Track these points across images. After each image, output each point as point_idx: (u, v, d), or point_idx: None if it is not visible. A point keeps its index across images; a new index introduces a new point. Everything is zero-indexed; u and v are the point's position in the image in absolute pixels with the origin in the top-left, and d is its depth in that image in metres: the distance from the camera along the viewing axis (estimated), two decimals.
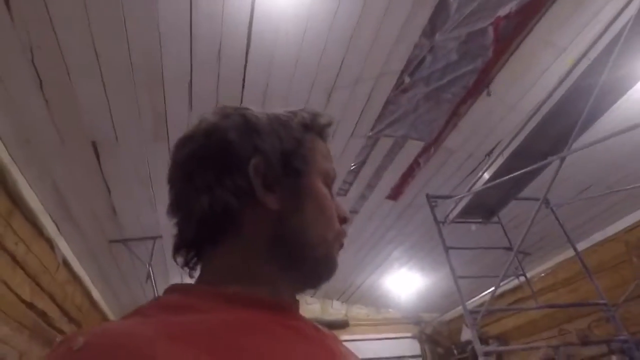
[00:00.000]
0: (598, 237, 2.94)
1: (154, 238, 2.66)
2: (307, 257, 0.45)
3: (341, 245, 0.50)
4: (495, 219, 2.35)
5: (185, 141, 0.47)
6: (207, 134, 0.46)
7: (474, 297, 3.72)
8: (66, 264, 2.58)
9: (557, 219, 2.27)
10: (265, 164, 0.44)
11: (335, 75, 1.94)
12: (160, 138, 2.03)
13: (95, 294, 3.20)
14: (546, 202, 2.20)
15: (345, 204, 2.98)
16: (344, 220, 0.50)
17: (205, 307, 0.37)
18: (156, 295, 2.70)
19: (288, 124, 0.49)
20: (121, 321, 0.34)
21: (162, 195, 2.43)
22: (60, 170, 2.06)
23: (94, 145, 1.97)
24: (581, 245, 2.70)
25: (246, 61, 1.75)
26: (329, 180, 0.50)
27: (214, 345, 0.32)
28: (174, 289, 0.42)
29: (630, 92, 1.83)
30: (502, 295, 3.51)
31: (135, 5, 1.43)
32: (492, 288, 2.10)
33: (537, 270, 3.41)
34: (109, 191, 2.29)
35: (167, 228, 2.68)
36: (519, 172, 1.77)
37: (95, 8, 1.41)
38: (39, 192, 2.12)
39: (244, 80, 1.83)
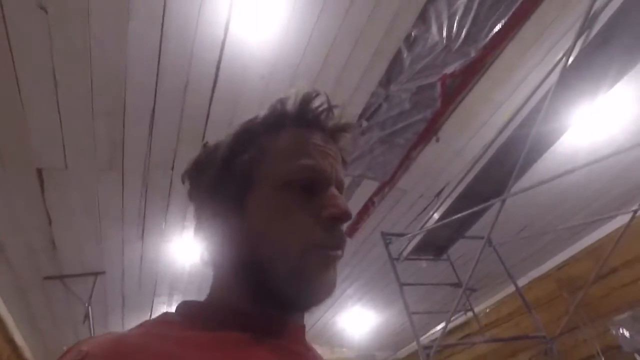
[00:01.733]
0: (534, 274, 3.18)
1: (96, 274, 2.47)
2: (270, 279, 0.39)
3: (325, 257, 0.40)
4: (445, 256, 2.48)
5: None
6: (187, 173, 0.48)
7: (425, 333, 3.80)
8: None
9: (499, 256, 2.45)
10: (204, 196, 0.44)
11: None
12: (115, 167, 1.96)
13: (19, 340, 2.84)
14: (489, 240, 2.38)
15: None
16: (328, 220, 0.39)
17: (209, 324, 0.37)
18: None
19: (218, 147, 0.45)
20: (125, 332, 0.35)
21: (109, 227, 2.30)
22: None
23: (39, 172, 1.85)
24: (520, 282, 2.91)
25: (212, 97, 1.79)
26: (297, 183, 0.40)
27: None
28: (183, 305, 0.42)
29: (557, 143, 2.10)
30: (451, 331, 3.63)
31: (103, 34, 1.43)
32: (443, 323, 2.18)
33: (483, 305, 3.59)
34: (50, 222, 2.13)
35: (112, 264, 2.53)
36: (465, 213, 1.93)
37: (59, 35, 1.39)
38: None
39: (207, 115, 1.86)
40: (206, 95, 1.78)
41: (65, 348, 0.33)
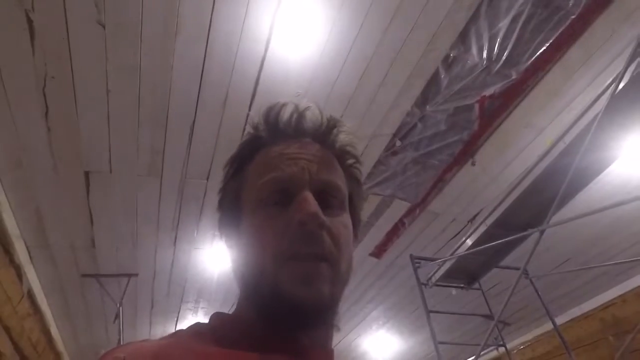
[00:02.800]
0: (576, 312, 2.96)
1: (129, 275, 2.57)
2: (257, 299, 0.38)
3: (295, 267, 0.36)
4: (476, 285, 2.37)
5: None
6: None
7: None
8: (30, 295, 2.44)
9: (535, 290, 2.30)
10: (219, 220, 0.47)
11: None
12: (154, 174, 2.05)
13: (54, 332, 2.98)
14: (526, 272, 2.25)
15: None
16: (298, 224, 0.36)
17: (235, 341, 0.37)
18: (122, 338, 2.53)
19: (232, 159, 0.47)
20: (157, 342, 0.36)
21: (145, 231, 2.40)
22: (46, 197, 2.03)
23: (87, 174, 1.98)
24: (559, 319, 2.71)
25: (249, 111, 1.84)
26: (272, 197, 0.39)
27: None
28: (215, 317, 0.42)
29: (604, 173, 1.98)
30: None
31: (153, 50, 1.53)
32: (473, 357, 2.06)
33: (516, 341, 3.37)
34: (92, 222, 2.25)
35: (144, 267, 2.62)
36: (499, 242, 1.84)
37: (114, 49, 1.50)
38: (19, 216, 2.07)
39: (244, 129, 1.91)
40: (244, 109, 1.84)
41: (102, 351, 0.34)
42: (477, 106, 2.08)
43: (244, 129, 1.92)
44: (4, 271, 2.07)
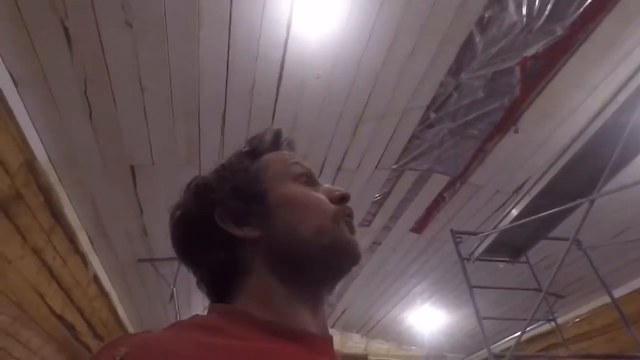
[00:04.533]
0: (636, 284, 2.75)
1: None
2: (311, 253, 0.45)
3: (348, 223, 0.49)
4: (523, 258, 2.27)
5: (171, 230, 0.53)
6: (181, 218, 0.51)
7: (501, 339, 3.53)
8: (96, 279, 2.69)
9: (590, 262, 2.16)
10: (226, 208, 0.48)
11: (362, 109, 2.00)
12: (193, 163, 2.14)
13: (121, 312, 3.29)
14: (578, 243, 2.11)
15: (368, 235, 2.97)
16: (339, 198, 0.50)
17: (236, 332, 0.39)
18: (178, 316, 2.72)
19: (230, 164, 0.53)
20: (159, 334, 0.37)
21: None
22: (100, 191, 2.19)
23: (132, 168, 2.10)
24: (619, 292, 2.54)
25: (277, 95, 1.85)
26: (301, 178, 0.51)
27: None
28: (214, 309, 0.44)
29: None
30: (531, 340, 3.31)
31: (178, 43, 1.57)
32: (519, 332, 2.00)
33: (570, 315, 3.21)
34: (142, 212, 2.41)
35: None
36: (546, 213, 1.73)
37: (143, 46, 1.55)
38: (79, 210, 2.26)
39: (274, 112, 1.93)
40: (272, 94, 1.85)
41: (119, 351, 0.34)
42: (518, 69, 1.93)
43: (274, 113, 1.93)
44: (71, 259, 2.29)
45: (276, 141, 0.57)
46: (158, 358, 0.32)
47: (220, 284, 0.48)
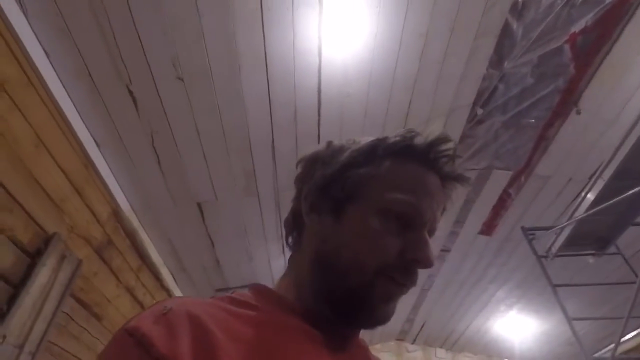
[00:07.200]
0: None
1: None
2: (338, 283, 0.43)
3: (396, 283, 0.43)
4: (612, 249, 2.03)
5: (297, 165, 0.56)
6: (305, 160, 0.55)
7: (606, 345, 3.12)
8: None
9: None
10: (310, 189, 0.49)
11: (404, 119, 2.00)
12: (251, 194, 2.28)
13: None
14: None
15: (433, 242, 2.86)
16: (410, 260, 0.42)
17: (264, 307, 0.43)
18: None
19: (342, 151, 0.49)
20: (198, 299, 0.42)
21: (256, 246, 2.67)
22: (174, 229, 2.42)
23: (199, 205, 2.30)
24: None
25: (319, 119, 1.93)
26: (391, 214, 0.43)
27: (250, 340, 0.37)
28: (252, 287, 0.49)
29: None
30: None
31: (224, 86, 1.72)
32: (634, 333, 1.77)
33: None
34: (213, 245, 2.60)
35: (263, 276, 2.90)
36: (628, 193, 1.55)
37: (194, 95, 1.73)
38: (159, 249, 2.51)
39: (318, 135, 2.00)
40: (314, 120, 1.93)
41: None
42: (567, 47, 1.81)
43: (318, 137, 2.00)
44: (158, 294, 2.53)
45: (428, 152, 0.47)
46: (195, 315, 0.37)
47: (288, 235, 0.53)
